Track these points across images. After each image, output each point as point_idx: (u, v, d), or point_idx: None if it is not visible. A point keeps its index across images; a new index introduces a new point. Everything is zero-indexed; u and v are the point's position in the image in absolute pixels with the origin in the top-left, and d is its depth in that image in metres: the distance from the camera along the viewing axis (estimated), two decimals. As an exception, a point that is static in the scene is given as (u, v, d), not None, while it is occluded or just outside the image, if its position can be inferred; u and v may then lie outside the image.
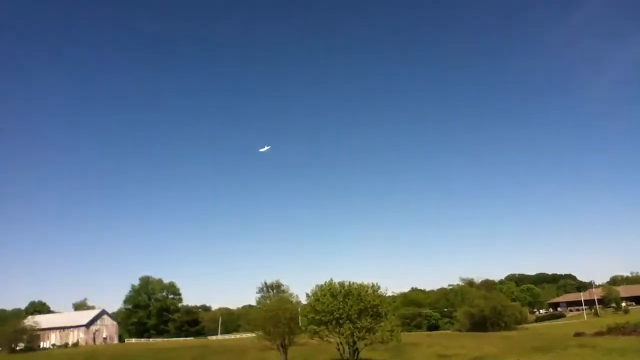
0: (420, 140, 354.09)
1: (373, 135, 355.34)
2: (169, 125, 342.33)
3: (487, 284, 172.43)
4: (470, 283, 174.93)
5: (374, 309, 53.43)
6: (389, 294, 68.53)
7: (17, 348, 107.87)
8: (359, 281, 55.76)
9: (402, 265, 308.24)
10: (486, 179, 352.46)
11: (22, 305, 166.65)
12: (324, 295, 54.15)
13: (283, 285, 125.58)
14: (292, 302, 60.86)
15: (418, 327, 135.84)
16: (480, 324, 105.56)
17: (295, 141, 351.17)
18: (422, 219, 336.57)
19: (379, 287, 55.67)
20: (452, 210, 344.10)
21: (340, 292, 53.95)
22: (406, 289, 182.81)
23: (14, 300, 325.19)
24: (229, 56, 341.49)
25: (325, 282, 56.31)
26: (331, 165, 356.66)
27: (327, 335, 53.86)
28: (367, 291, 54.53)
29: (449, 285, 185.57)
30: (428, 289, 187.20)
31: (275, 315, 55.63)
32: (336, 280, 56.23)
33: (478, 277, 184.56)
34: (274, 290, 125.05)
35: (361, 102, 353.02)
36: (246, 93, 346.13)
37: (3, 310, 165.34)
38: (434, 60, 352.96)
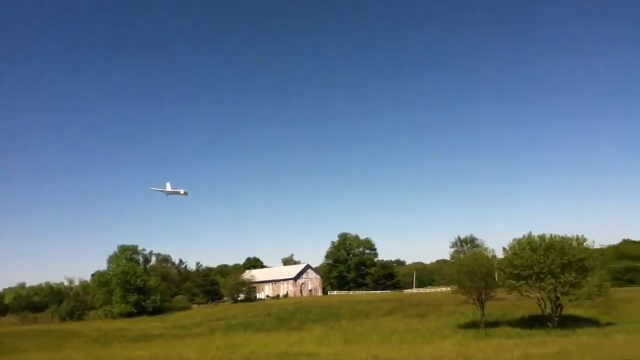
0: None
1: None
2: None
3: None
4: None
5: (580, 263, 50.33)
6: (597, 246, 63.26)
7: (238, 298, 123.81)
8: (561, 234, 52.91)
9: (611, 216, 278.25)
10: None
11: (240, 260, 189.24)
12: (523, 249, 52.49)
13: (477, 239, 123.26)
14: (487, 256, 59.72)
15: (631, 282, 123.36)
16: None
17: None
18: (631, 159, 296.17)
19: (584, 240, 52.20)
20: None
21: (541, 245, 51.82)
22: (616, 241, 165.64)
23: (233, 256, 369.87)
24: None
25: (524, 235, 54.45)
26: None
27: (526, 291, 52.36)
28: (571, 244, 51.54)
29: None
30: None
31: (470, 270, 55.34)
32: (535, 233, 54.05)
33: None
34: (468, 244, 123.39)
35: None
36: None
37: (225, 266, 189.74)
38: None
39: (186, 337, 66.36)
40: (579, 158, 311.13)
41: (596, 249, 61.65)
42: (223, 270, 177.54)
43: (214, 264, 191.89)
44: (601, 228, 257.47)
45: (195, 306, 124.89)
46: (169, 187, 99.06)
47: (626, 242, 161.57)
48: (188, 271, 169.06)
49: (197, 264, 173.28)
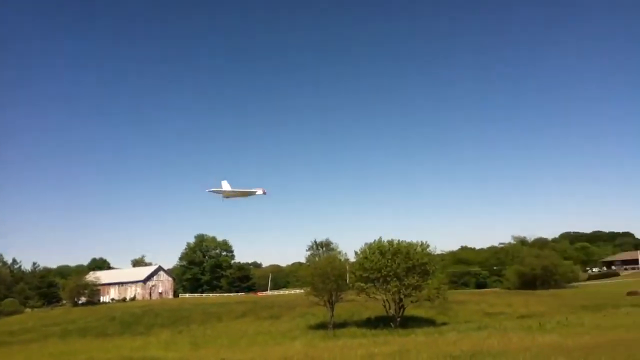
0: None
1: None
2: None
3: (540, 242, 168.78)
4: (523, 241, 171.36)
5: (422, 267, 53.64)
6: (438, 252, 68.40)
7: (79, 302, 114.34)
8: (408, 240, 56.01)
9: (452, 224, 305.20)
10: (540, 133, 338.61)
11: (85, 261, 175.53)
12: (373, 254, 54.64)
13: (332, 243, 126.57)
14: (340, 260, 61.52)
15: (466, 285, 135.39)
16: (530, 282, 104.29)
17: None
18: (472, 176, 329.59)
19: (428, 246, 55.77)
20: (504, 166, 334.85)
21: (389, 250, 54.30)
22: (456, 248, 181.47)
23: (77, 257, 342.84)
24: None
25: (375, 240, 56.73)
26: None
27: (373, 293, 54.64)
28: (415, 249, 54.69)
29: (500, 243, 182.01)
30: (478, 247, 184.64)
31: (323, 273, 56.51)
32: (385, 239, 56.59)
33: (531, 235, 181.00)
34: (323, 248, 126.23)
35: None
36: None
37: (66, 267, 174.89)
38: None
39: (14, 344, 59.78)
40: (420, 168, 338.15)
41: (437, 255, 66.43)
42: (64, 271, 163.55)
43: (54, 264, 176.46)
44: (442, 235, 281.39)
45: (28, 310, 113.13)
46: (226, 186, 73.71)
47: (463, 249, 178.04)
48: (22, 272, 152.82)
49: (34, 264, 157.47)
